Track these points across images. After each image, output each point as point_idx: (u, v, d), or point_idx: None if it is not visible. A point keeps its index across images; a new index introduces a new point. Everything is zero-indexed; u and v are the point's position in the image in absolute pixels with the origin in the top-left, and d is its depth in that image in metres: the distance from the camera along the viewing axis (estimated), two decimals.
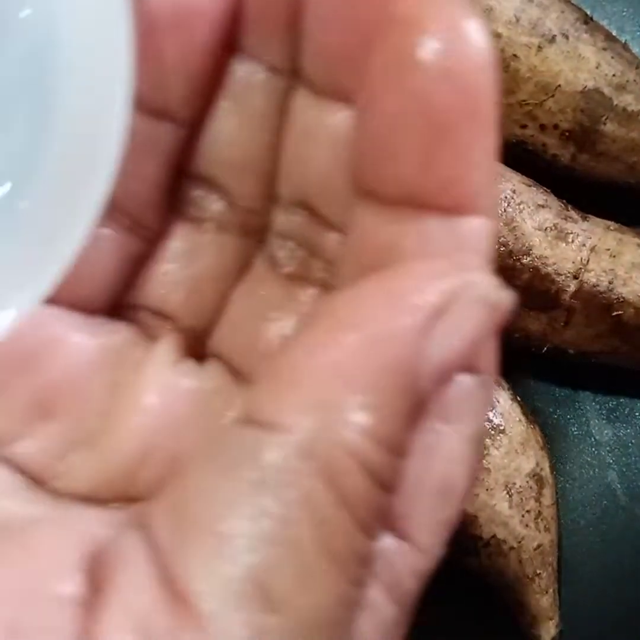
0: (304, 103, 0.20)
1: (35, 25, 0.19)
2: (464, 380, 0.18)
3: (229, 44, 0.20)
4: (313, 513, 0.16)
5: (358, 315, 0.17)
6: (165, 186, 0.21)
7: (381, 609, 0.18)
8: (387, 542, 0.17)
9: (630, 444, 0.42)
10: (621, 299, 0.39)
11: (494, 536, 0.38)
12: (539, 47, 0.40)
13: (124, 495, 0.20)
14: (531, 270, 0.39)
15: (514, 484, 0.38)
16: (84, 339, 0.21)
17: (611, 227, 0.40)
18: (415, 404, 0.17)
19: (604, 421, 0.42)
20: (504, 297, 0.17)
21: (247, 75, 0.21)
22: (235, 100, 0.21)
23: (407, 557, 0.18)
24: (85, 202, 0.19)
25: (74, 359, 0.20)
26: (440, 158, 0.18)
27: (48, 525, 0.18)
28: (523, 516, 0.38)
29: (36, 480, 0.20)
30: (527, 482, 0.39)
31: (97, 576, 0.16)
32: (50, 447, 0.20)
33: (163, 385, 0.21)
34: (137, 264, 0.22)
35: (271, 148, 0.21)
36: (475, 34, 0.18)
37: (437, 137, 0.18)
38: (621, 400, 0.42)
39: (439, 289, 0.17)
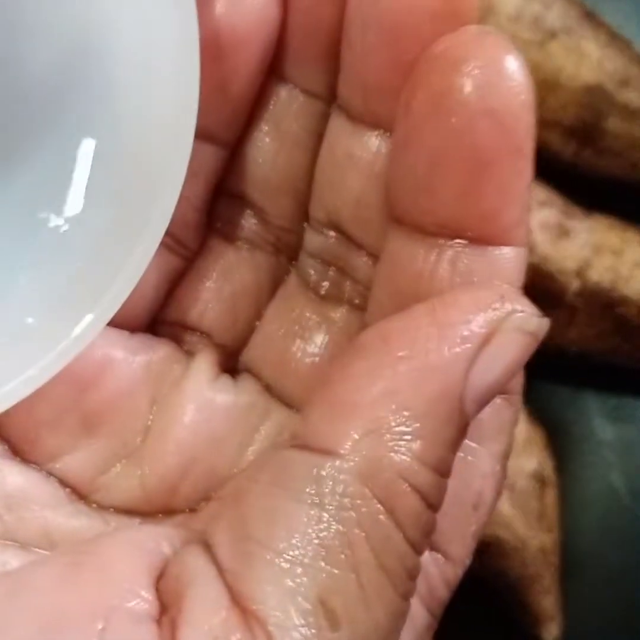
0: (339, 128, 0.21)
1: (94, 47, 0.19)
2: (495, 401, 0.20)
3: (270, 69, 0.21)
4: (371, 534, 0.17)
5: (410, 345, 0.18)
6: (204, 206, 0.22)
7: (417, 617, 0.20)
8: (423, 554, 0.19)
9: (633, 443, 0.42)
10: (624, 298, 0.39)
11: (496, 536, 0.38)
12: (541, 43, 0.40)
13: (163, 508, 0.21)
14: (533, 268, 0.39)
15: (517, 484, 0.38)
16: (127, 357, 0.22)
17: (614, 225, 0.41)
18: (459, 429, 0.18)
19: (606, 420, 0.42)
20: (542, 325, 0.19)
21: (285, 99, 0.22)
22: (274, 124, 0.22)
23: (440, 568, 0.20)
24: (151, 223, 0.20)
25: (118, 376, 0.21)
26: (481, 193, 0.19)
27: (118, 541, 0.19)
28: (525, 516, 0.38)
29: (78, 493, 0.21)
30: (530, 482, 0.39)
31: (164, 592, 0.17)
32: (94, 462, 0.21)
33: (201, 401, 0.22)
34: (175, 282, 0.23)
35: (307, 170, 0.22)
36: (515, 71, 0.18)
37: (478, 173, 0.19)
38: (624, 399, 0.42)
39: (484, 320, 0.18)
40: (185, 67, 0.19)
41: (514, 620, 0.39)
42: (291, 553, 0.17)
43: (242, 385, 0.22)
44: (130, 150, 0.20)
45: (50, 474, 0.21)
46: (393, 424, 0.17)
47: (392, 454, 0.17)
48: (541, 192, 0.40)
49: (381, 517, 0.17)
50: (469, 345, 0.18)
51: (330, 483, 0.17)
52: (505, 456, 0.21)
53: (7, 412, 0.20)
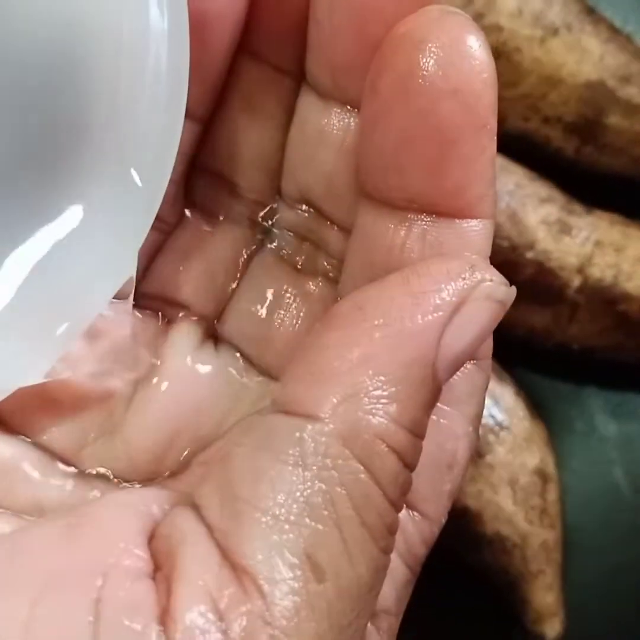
0: (309, 105, 0.22)
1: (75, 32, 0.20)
2: (466, 366, 0.21)
3: (240, 46, 0.22)
4: (352, 492, 0.18)
5: (385, 314, 0.19)
6: (181, 181, 0.23)
7: (396, 572, 0.21)
8: (401, 512, 0.20)
9: (635, 440, 0.42)
10: (626, 294, 0.40)
11: (498, 533, 0.38)
12: (542, 39, 0.40)
13: (149, 477, 0.22)
14: (535, 264, 0.39)
15: (519, 480, 0.39)
16: (111, 330, 0.22)
17: (616, 221, 0.41)
18: (433, 392, 0.19)
19: (608, 417, 0.42)
20: (509, 293, 0.20)
21: (256, 76, 0.22)
22: (245, 100, 0.23)
23: (417, 526, 0.21)
24: (141, 216, 0.20)
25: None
26: (447, 170, 0.20)
27: (110, 504, 0.20)
28: (527, 512, 0.39)
29: (66, 464, 0.22)
30: (532, 478, 0.39)
31: (156, 552, 0.18)
32: (80, 433, 0.22)
33: (183, 371, 0.22)
34: (154, 256, 0.23)
35: (279, 146, 0.23)
36: (476, 50, 0.19)
37: (444, 150, 0.19)
38: (626, 395, 0.42)
39: (455, 288, 0.19)
40: (177, 51, 0.20)
41: (516, 617, 0.40)
42: (277, 511, 0.18)
43: (222, 355, 0.23)
44: (124, 138, 0.20)
45: (37, 446, 0.22)
46: (370, 388, 0.18)
47: (370, 417, 0.18)
48: (543, 189, 0.40)
49: (361, 476, 0.18)
50: (441, 313, 0.19)
51: (312, 445, 0.18)
52: (477, 418, 0.22)
53: None
